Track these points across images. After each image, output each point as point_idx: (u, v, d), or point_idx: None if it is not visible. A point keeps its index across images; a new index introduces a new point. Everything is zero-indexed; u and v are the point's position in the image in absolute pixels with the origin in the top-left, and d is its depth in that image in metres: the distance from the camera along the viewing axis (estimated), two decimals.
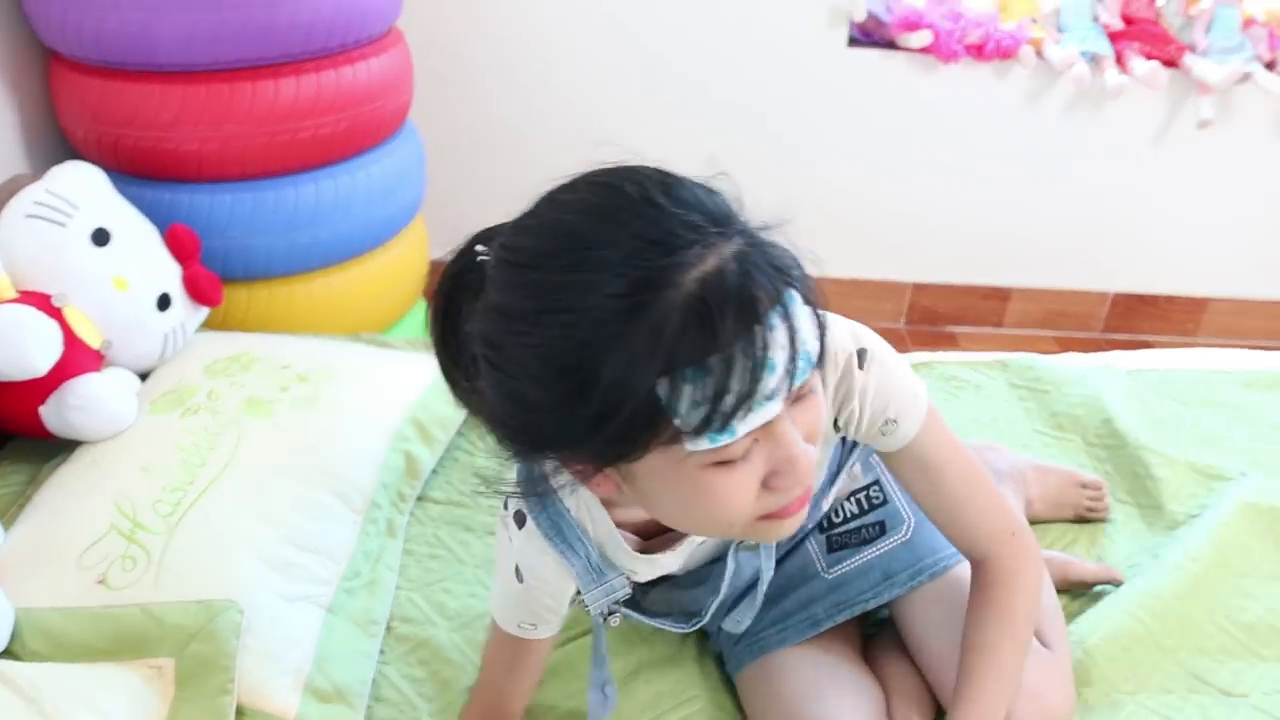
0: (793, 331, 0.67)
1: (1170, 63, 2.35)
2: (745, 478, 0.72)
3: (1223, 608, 1.22)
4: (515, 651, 1.02)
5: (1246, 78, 2.32)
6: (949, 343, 2.67)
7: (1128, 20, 2.37)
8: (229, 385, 1.39)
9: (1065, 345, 2.67)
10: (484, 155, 2.48)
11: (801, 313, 0.68)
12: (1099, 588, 1.24)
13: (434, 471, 1.43)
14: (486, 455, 0.81)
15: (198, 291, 1.54)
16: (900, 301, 2.67)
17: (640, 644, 1.16)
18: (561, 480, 0.79)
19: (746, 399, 0.66)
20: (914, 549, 1.09)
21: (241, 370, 1.43)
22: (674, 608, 1.07)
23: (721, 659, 1.15)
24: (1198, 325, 2.75)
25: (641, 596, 1.05)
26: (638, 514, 0.92)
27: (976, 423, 1.56)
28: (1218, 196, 2.55)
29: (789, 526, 0.78)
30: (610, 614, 0.96)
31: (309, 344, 1.54)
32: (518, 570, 0.94)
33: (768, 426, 0.69)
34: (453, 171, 2.46)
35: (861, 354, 0.90)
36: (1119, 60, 2.33)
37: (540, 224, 0.71)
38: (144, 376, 1.47)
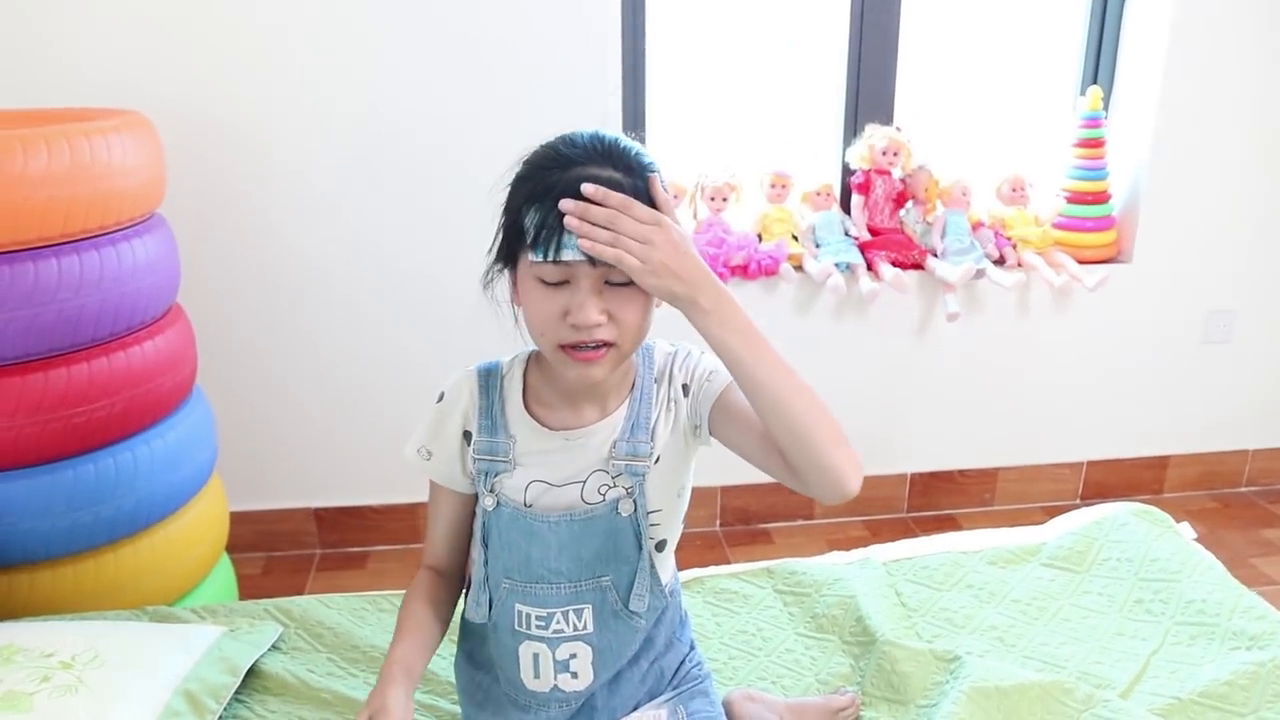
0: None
1: (916, 266, 2.63)
2: (551, 300, 1.07)
3: None
4: (432, 500, 1.27)
5: (981, 274, 2.61)
6: (765, 539, 2.80)
7: (874, 231, 2.66)
8: None
9: (875, 529, 2.85)
10: (276, 406, 2.59)
11: None
12: None
13: None
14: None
15: None
16: (712, 506, 2.80)
17: None
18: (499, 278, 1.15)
19: (555, 237, 1.03)
20: None
21: (2, 664, 1.44)
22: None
23: None
24: (993, 494, 2.96)
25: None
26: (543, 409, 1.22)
27: (744, 634, 1.66)
28: (982, 377, 2.81)
29: (578, 372, 1.11)
30: (491, 491, 1.20)
31: (79, 628, 1.55)
32: (442, 395, 1.24)
33: (574, 278, 1.05)
34: (248, 423, 2.56)
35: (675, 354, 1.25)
36: (871, 268, 2.60)
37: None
38: None
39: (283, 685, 1.54)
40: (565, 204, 1.02)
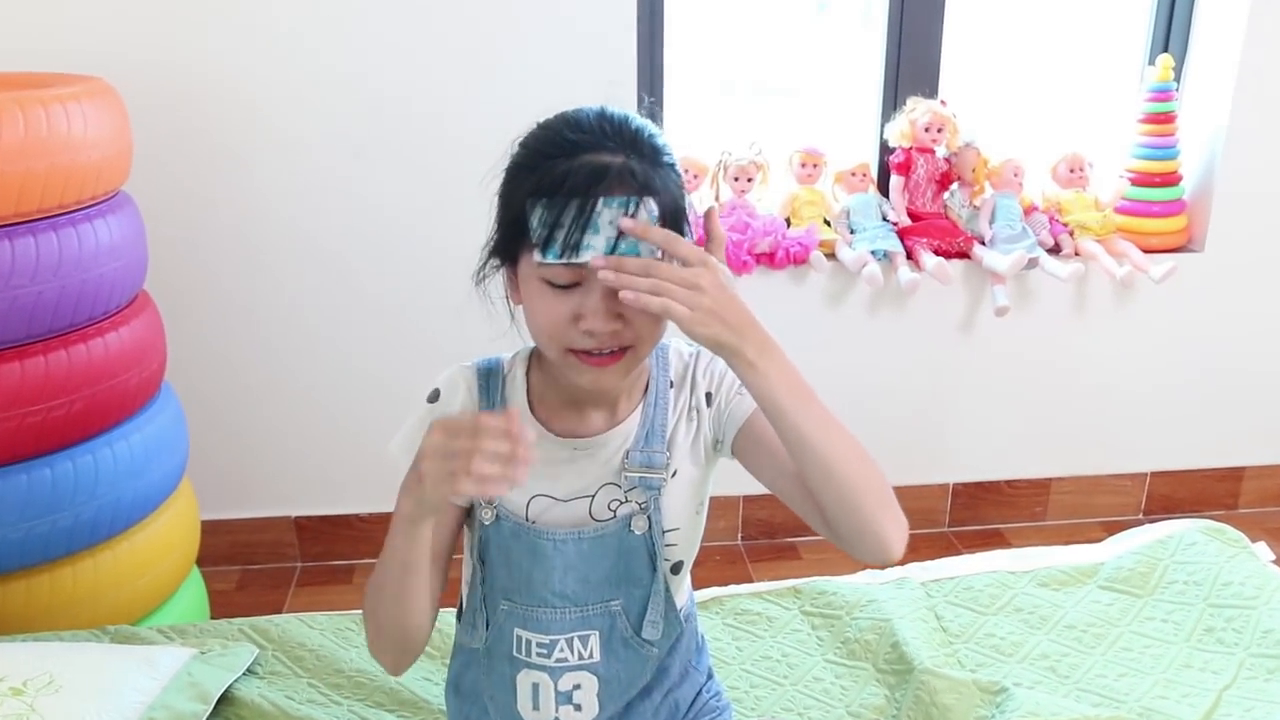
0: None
1: (961, 254, 2.61)
2: (560, 304, 1.05)
3: None
4: None
5: (1034, 263, 2.59)
6: (793, 554, 2.79)
7: (915, 215, 2.64)
8: None
9: (913, 544, 2.81)
10: (253, 404, 2.59)
11: (650, 219, 1.01)
12: None
13: None
14: None
15: None
16: (733, 517, 2.80)
17: None
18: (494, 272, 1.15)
19: (570, 237, 1.00)
20: None
21: None
22: None
23: None
24: (1045, 508, 2.94)
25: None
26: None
27: (768, 660, 1.66)
28: (1034, 378, 2.80)
29: (592, 377, 1.09)
30: (487, 502, 1.19)
31: (33, 649, 1.55)
32: (435, 393, 1.22)
33: (586, 279, 1.03)
34: (222, 423, 2.57)
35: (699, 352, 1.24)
36: (911, 256, 2.59)
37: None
38: None
39: (259, 713, 1.54)
40: (597, 261, 0.99)
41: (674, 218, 1.06)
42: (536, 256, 1.03)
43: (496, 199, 1.10)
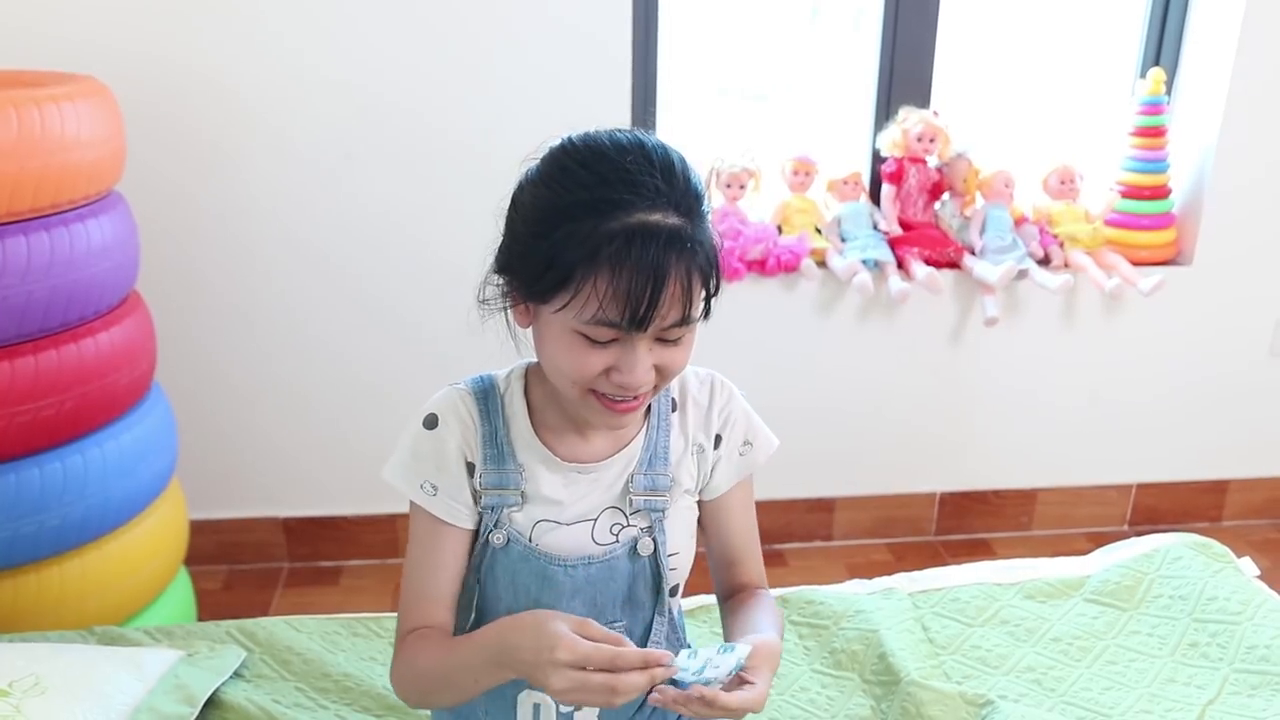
0: (680, 292, 1.00)
1: (952, 264, 2.63)
2: (594, 356, 1.04)
3: None
4: (430, 544, 1.18)
5: (1023, 275, 2.60)
6: (779, 562, 2.80)
7: (906, 225, 2.65)
8: None
9: (900, 552, 2.85)
10: (243, 405, 2.59)
11: (694, 284, 1.01)
12: None
13: None
14: None
15: None
16: None
17: None
18: (504, 303, 1.12)
19: (634, 312, 0.99)
20: None
21: None
22: None
23: None
24: (1031, 518, 2.95)
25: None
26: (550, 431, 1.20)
27: None
28: (1022, 388, 2.81)
29: (610, 420, 1.10)
30: (497, 526, 1.17)
31: (18, 650, 1.55)
32: (432, 418, 1.18)
33: (627, 335, 1.02)
34: (211, 423, 2.56)
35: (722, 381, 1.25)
36: (901, 265, 2.59)
37: (584, 135, 1.07)
38: None
39: (245, 717, 1.54)
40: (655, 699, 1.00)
41: (711, 268, 1.05)
42: (579, 313, 1.01)
43: (518, 227, 1.07)
